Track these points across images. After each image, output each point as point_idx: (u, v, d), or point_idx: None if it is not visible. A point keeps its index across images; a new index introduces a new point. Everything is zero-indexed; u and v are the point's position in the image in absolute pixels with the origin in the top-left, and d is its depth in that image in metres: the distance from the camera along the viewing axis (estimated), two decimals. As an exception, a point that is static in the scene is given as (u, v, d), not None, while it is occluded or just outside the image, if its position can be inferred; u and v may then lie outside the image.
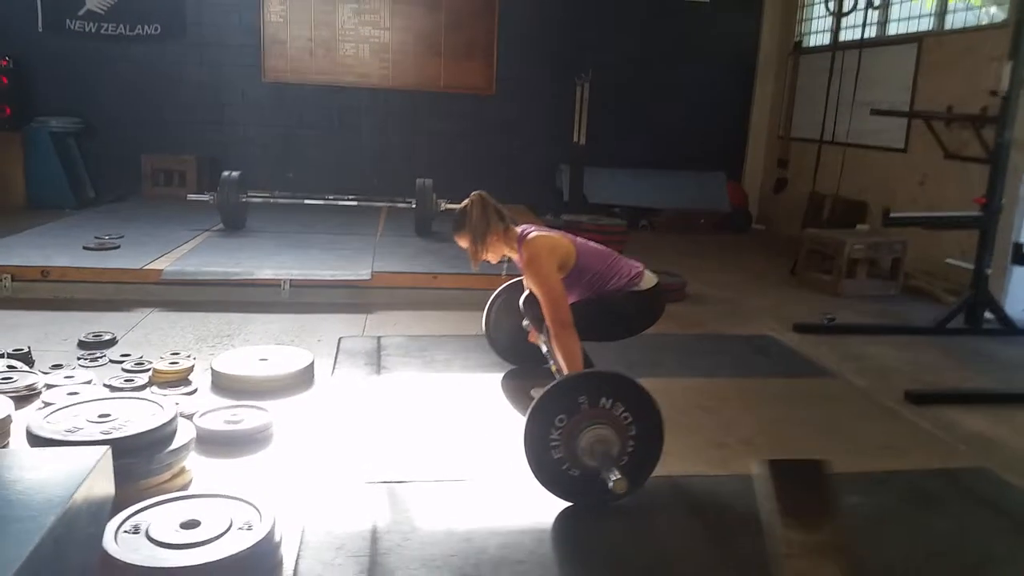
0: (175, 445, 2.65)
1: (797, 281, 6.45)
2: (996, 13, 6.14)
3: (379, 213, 7.62)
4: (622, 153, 8.80)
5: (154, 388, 3.50)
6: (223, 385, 3.62)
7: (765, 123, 9.33)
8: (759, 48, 9.25)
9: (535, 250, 3.12)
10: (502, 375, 3.84)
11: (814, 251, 6.40)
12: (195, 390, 3.54)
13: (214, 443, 2.99)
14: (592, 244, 3.36)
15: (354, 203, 6.98)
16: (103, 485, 2.07)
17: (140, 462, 2.52)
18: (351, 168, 8.76)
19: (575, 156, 7.74)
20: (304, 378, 3.73)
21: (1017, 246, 3.81)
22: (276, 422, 3.19)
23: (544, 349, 3.34)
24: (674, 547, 2.47)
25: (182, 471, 2.71)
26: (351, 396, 3.51)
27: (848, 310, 5.53)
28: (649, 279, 3.24)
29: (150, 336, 4.29)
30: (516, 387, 3.71)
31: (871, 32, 7.38)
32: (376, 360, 3.94)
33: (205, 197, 6.32)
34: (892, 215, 4.90)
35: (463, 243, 3.33)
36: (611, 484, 2.42)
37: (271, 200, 6.82)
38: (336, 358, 3.99)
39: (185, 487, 2.69)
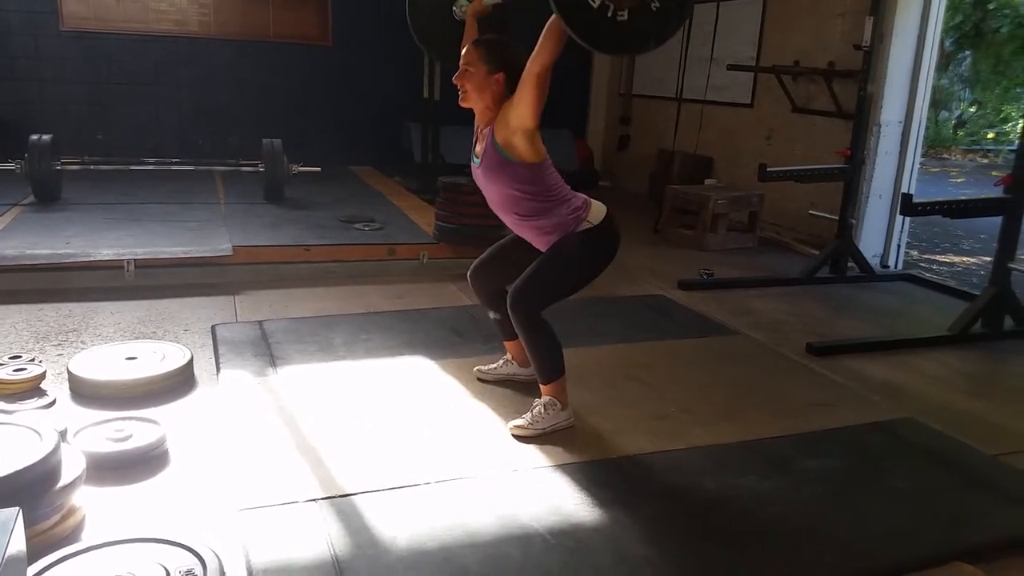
0: (64, 481, 2.13)
1: (661, 238, 6.50)
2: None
3: (214, 177, 6.88)
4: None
5: (-1, 404, 2.87)
6: (86, 393, 3.04)
7: (605, 80, 9.33)
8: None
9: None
10: (417, 355, 3.51)
11: (676, 208, 6.46)
12: (53, 401, 2.95)
13: (100, 468, 2.47)
14: None
15: (190, 168, 6.22)
16: (18, 551, 1.58)
17: (24, 508, 2.00)
18: (169, 128, 7.90)
19: (428, 113, 7.34)
20: (185, 377, 3.22)
21: (906, 196, 3.95)
22: (169, 435, 2.70)
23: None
24: (655, 535, 2.29)
25: (72, 511, 2.20)
26: (251, 396, 3.05)
27: (718, 264, 5.62)
28: (597, 210, 2.84)
29: (-26, 338, 3.56)
30: (440, 366, 3.40)
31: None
32: (266, 350, 3.47)
33: (11, 166, 5.37)
34: (769, 169, 4.97)
35: (477, 60, 2.71)
36: None
37: (89, 167, 5.94)
38: (216, 350, 3.48)
39: (77, 529, 2.19)
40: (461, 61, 2.75)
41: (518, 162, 2.70)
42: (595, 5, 2.29)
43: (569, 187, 2.86)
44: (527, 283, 2.77)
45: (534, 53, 2.49)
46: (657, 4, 2.37)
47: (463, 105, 2.79)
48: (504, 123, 2.66)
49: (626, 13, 2.34)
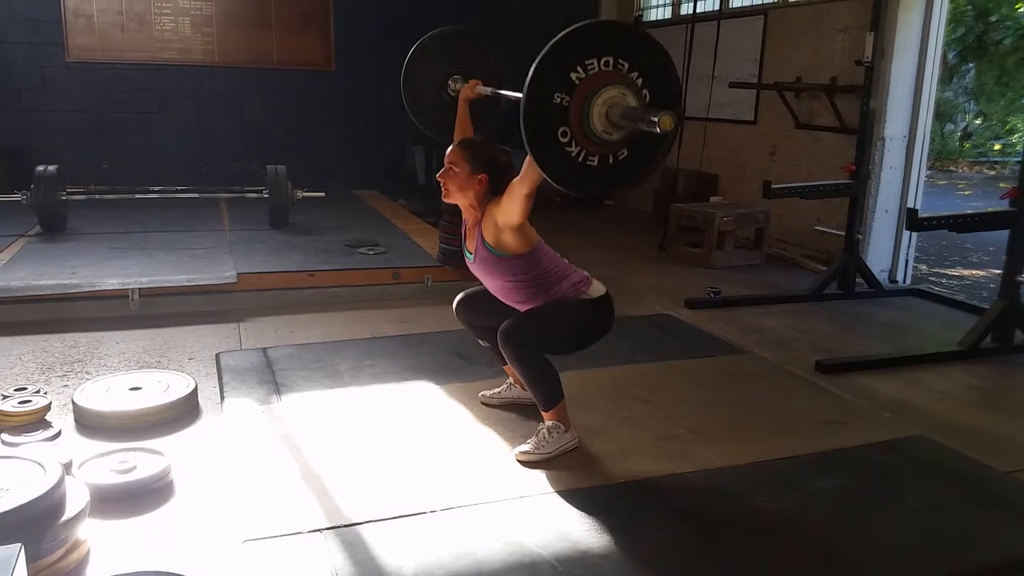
0: (69, 514, 2.12)
1: (667, 255, 6.48)
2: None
3: (219, 205, 6.91)
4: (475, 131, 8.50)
5: (4, 436, 2.86)
6: (91, 424, 3.03)
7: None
8: (598, 22, 9.22)
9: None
10: (422, 381, 3.49)
11: (682, 225, 6.45)
12: (58, 433, 2.94)
13: (104, 500, 2.46)
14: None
15: (195, 195, 6.24)
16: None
17: (28, 542, 1.99)
18: (174, 156, 7.92)
19: (430, 137, 7.34)
20: (189, 407, 3.20)
21: (912, 211, 3.93)
22: (174, 465, 2.68)
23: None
24: (668, 559, 2.26)
25: (76, 544, 2.18)
26: (255, 424, 3.03)
27: (724, 282, 5.59)
28: (597, 288, 2.90)
29: (-20, 370, 3.56)
30: (445, 392, 3.38)
31: (713, 5, 7.52)
32: (271, 378, 3.46)
33: (17, 197, 5.40)
34: (773, 186, 4.96)
35: (461, 160, 2.77)
36: (657, 128, 2.14)
37: (95, 196, 5.96)
38: (220, 379, 3.46)
39: (82, 563, 2.17)
40: (445, 159, 2.82)
41: (511, 256, 2.76)
42: (570, 151, 2.31)
43: (567, 262, 2.91)
44: (517, 324, 2.77)
45: (521, 175, 2.53)
46: (624, 154, 2.38)
47: (446, 200, 2.85)
48: (491, 224, 2.73)
49: (596, 160, 2.35)
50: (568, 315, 2.83)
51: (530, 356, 2.78)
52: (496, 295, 2.93)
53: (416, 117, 3.51)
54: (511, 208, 2.62)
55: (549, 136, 2.27)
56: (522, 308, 2.88)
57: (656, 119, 2.14)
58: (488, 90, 3.19)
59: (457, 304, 3.11)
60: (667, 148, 2.42)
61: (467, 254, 2.91)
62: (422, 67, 3.45)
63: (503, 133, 2.74)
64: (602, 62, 2.26)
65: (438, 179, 2.82)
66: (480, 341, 3.15)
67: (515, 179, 2.57)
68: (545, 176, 2.33)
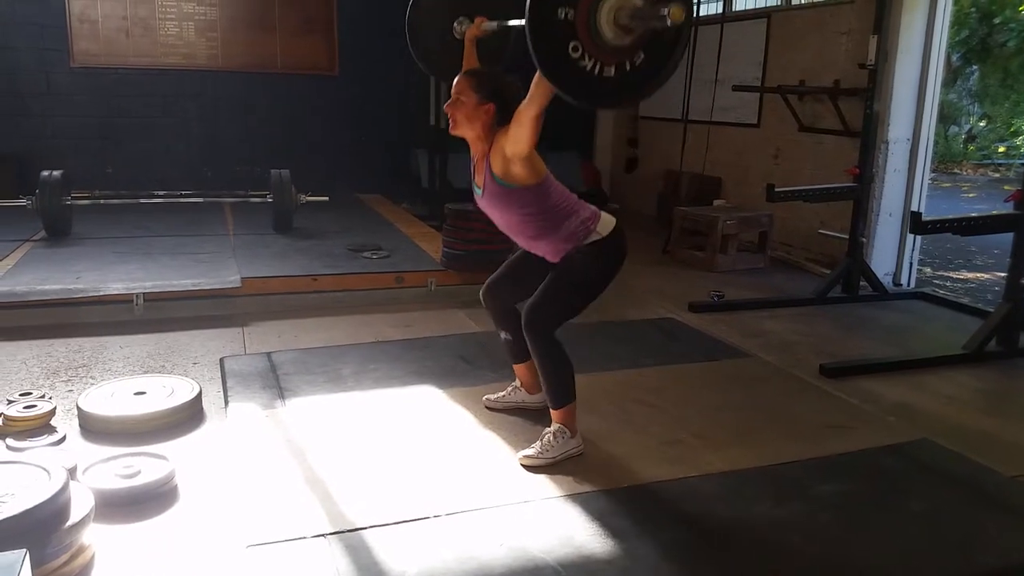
0: (74, 519, 2.13)
1: (671, 259, 6.48)
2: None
3: (223, 209, 6.92)
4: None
5: (9, 440, 2.87)
6: (96, 428, 3.04)
7: (612, 101, 9.33)
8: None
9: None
10: (426, 385, 3.49)
11: (685, 229, 6.45)
12: (63, 438, 2.94)
13: (109, 505, 2.46)
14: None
15: (199, 200, 6.26)
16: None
17: (33, 547, 1.99)
18: (178, 160, 7.94)
19: (434, 141, 7.37)
20: (193, 411, 3.21)
21: (915, 214, 3.93)
22: (178, 470, 2.69)
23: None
24: (672, 564, 2.26)
25: (81, 549, 2.18)
26: (259, 429, 3.03)
27: (728, 286, 5.58)
28: (607, 222, 2.82)
29: (-15, 374, 3.57)
30: (448, 396, 3.38)
31: (716, 9, 7.52)
32: (274, 382, 3.46)
33: (23, 202, 5.41)
34: (777, 190, 4.95)
35: (467, 90, 2.73)
36: (668, 22, 2.10)
37: (99, 201, 5.98)
38: (225, 383, 3.47)
39: (86, 568, 2.18)
40: (452, 90, 2.77)
41: (520, 187, 2.70)
42: (585, 65, 2.26)
43: (577, 197, 2.86)
44: (540, 302, 2.77)
45: (527, 98, 2.47)
46: (641, 58, 2.33)
47: (453, 133, 2.80)
48: (499, 155, 2.67)
49: (613, 69, 2.30)
50: (581, 279, 2.79)
51: (551, 348, 2.78)
52: (507, 232, 2.90)
53: (424, 63, 3.36)
54: (519, 135, 2.55)
55: (560, 55, 2.22)
56: (533, 246, 2.86)
57: (665, 12, 2.10)
58: (493, 24, 3.07)
59: (484, 290, 3.09)
60: (684, 44, 2.34)
61: (476, 189, 2.85)
62: (424, 17, 3.31)
63: (521, 62, 2.65)
64: None
65: (445, 110, 2.76)
66: (502, 333, 3.12)
67: (521, 104, 2.51)
68: (568, 96, 2.27)
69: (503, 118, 2.66)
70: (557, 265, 2.82)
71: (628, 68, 2.32)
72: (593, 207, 2.87)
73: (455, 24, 3.24)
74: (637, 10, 2.21)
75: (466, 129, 2.76)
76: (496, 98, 2.70)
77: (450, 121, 2.76)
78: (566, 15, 2.18)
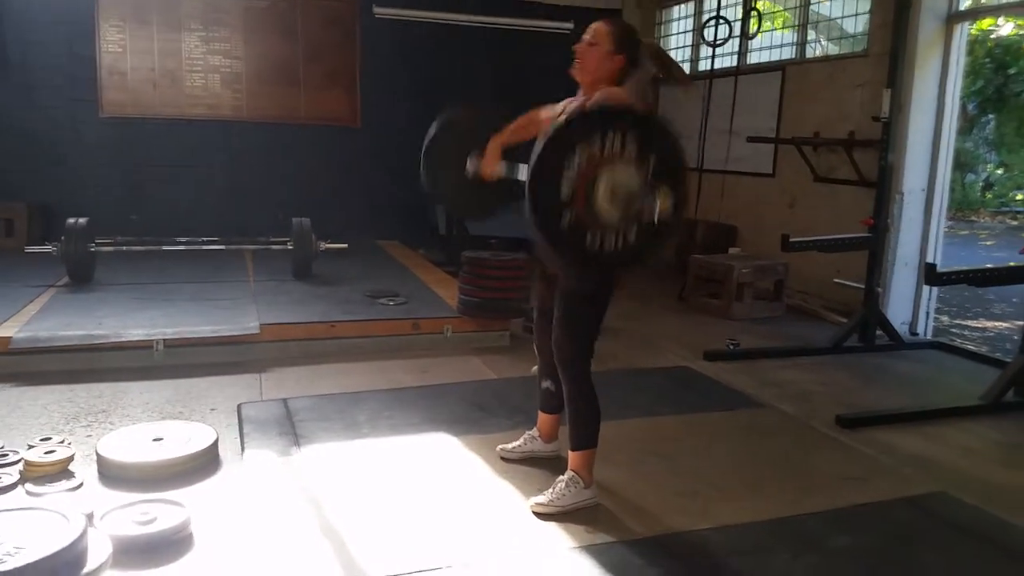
0: (91, 566, 2.15)
1: (687, 306, 6.49)
2: (854, 43, 6.47)
3: (244, 256, 7.02)
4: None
5: (28, 486, 2.91)
6: (113, 474, 3.06)
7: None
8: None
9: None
10: (442, 432, 3.51)
11: (700, 276, 6.47)
12: (81, 484, 2.97)
13: (125, 551, 2.47)
14: None
15: (221, 247, 6.36)
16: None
17: (48, 596, 2.02)
18: (202, 208, 8.06)
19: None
20: (210, 458, 3.24)
21: (930, 266, 3.94)
22: (193, 517, 2.71)
23: None
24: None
25: (96, 596, 2.20)
26: (274, 476, 3.06)
27: (744, 334, 5.58)
28: None
29: (7, 419, 3.61)
30: (463, 443, 3.39)
31: (732, 61, 7.63)
32: (290, 429, 3.49)
33: (48, 248, 5.53)
34: (792, 240, 4.98)
35: (606, 37, 2.72)
36: (656, 216, 2.20)
37: (123, 248, 6.09)
38: (241, 430, 3.50)
39: (101, 615, 2.19)
40: (586, 35, 2.78)
41: None
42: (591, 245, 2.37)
43: None
44: (558, 332, 2.80)
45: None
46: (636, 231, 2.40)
47: (572, 74, 2.80)
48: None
49: (613, 240, 2.39)
50: (584, 291, 2.77)
51: (585, 389, 2.80)
52: None
53: (435, 199, 3.39)
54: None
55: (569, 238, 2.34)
56: None
57: (656, 204, 2.21)
58: (502, 170, 3.05)
59: (535, 341, 3.11)
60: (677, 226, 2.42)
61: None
62: (439, 171, 3.34)
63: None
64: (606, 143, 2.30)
65: (575, 49, 2.76)
66: (543, 382, 3.13)
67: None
68: (566, 266, 2.40)
69: (623, 77, 2.72)
70: (559, 288, 2.84)
71: (624, 241, 2.39)
72: None
73: (468, 163, 3.17)
74: (633, 193, 2.30)
75: (587, 73, 2.76)
76: (628, 53, 2.73)
77: (575, 63, 2.76)
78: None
